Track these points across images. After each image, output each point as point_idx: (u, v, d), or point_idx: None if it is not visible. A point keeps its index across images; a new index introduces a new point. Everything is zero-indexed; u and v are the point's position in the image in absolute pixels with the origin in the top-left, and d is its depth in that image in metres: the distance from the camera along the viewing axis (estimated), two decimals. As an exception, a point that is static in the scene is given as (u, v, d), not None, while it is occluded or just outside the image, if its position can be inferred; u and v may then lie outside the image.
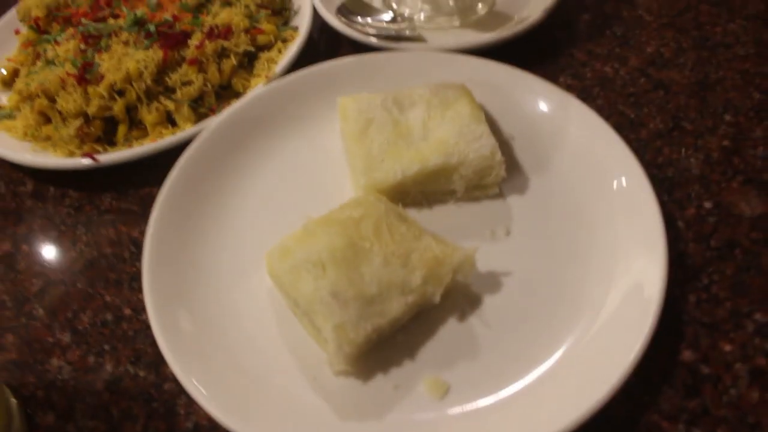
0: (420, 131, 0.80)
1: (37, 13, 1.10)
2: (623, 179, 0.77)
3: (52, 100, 0.96)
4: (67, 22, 1.09)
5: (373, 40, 0.99)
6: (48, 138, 0.97)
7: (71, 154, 0.93)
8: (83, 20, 1.05)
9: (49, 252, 0.89)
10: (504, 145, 0.86)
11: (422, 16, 1.08)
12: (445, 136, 0.79)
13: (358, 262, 0.68)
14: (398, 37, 0.98)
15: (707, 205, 0.82)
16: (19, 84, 1.03)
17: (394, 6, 1.10)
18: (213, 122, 0.87)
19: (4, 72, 1.09)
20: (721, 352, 0.70)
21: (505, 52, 0.98)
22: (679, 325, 0.72)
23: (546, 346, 0.68)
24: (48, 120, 0.98)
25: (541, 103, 0.87)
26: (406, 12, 1.09)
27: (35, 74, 1.00)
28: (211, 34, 0.97)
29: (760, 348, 0.69)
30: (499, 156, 0.77)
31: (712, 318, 0.72)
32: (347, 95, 0.87)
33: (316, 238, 0.70)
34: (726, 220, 0.80)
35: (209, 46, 0.95)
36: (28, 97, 0.99)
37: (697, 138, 0.89)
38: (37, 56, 1.09)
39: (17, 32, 1.16)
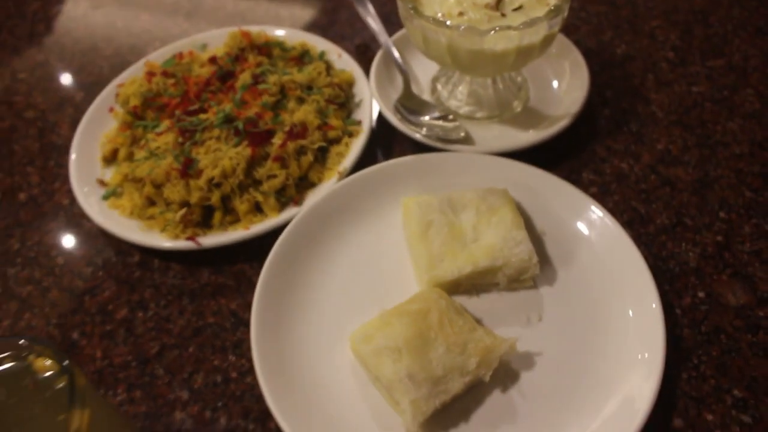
0: (471, 234, 1.00)
1: (135, 102, 1.29)
2: (632, 277, 0.96)
3: (158, 187, 1.16)
4: (161, 110, 1.28)
5: (427, 141, 1.18)
6: (151, 217, 1.16)
7: (176, 237, 1.12)
8: (177, 113, 1.24)
9: (160, 319, 1.08)
10: (537, 240, 1.06)
11: (466, 109, 1.27)
12: (492, 241, 0.98)
13: (426, 349, 0.88)
14: (448, 139, 1.17)
15: (700, 294, 1.02)
16: (124, 168, 1.23)
17: (443, 100, 1.29)
18: (298, 215, 1.07)
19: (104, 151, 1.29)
20: (705, 421, 0.89)
21: (537, 146, 1.17)
22: (673, 398, 0.92)
23: (567, 417, 0.88)
24: (152, 203, 1.17)
25: (567, 206, 1.06)
26: (453, 104, 1.28)
27: (140, 162, 1.20)
28: (291, 133, 1.16)
29: (736, 419, 0.89)
30: (535, 259, 0.97)
31: (699, 392, 0.92)
32: (407, 192, 1.08)
33: (392, 327, 0.90)
34: (715, 309, 1.00)
35: (290, 146, 1.14)
36: (133, 180, 1.18)
37: (696, 233, 1.09)
38: (134, 139, 1.28)
39: (111, 110, 1.35)
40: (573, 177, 1.19)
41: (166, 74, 1.31)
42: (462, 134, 1.18)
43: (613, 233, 1.00)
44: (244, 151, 1.14)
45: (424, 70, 1.35)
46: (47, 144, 1.39)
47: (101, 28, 1.68)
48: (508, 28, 1.04)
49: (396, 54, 1.32)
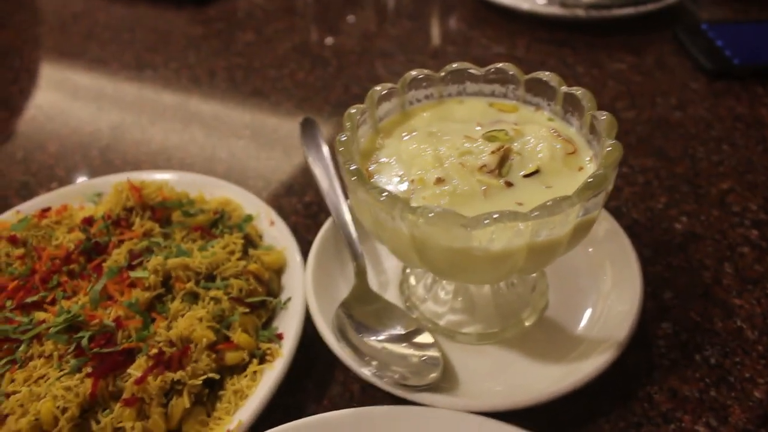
0: None
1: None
2: None
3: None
4: (-7, 293, 0.84)
5: (379, 384, 0.71)
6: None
7: None
8: (8, 304, 0.80)
9: None
10: None
11: (449, 320, 0.82)
12: None
13: None
14: (412, 386, 0.71)
15: None
16: None
17: (415, 302, 0.84)
18: None
19: None
20: None
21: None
22: None
23: None
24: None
25: None
26: (430, 310, 0.83)
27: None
28: (159, 359, 0.71)
29: None
30: None
31: None
32: None
33: None
34: None
35: (153, 382, 0.69)
36: None
37: None
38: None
39: None
40: (618, 447, 0.71)
41: (14, 241, 0.88)
42: (433, 376, 0.71)
43: None
44: (81, 385, 0.69)
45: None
46: None
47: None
48: (512, 217, 0.60)
49: (350, 227, 0.88)
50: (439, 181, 0.70)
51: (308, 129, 1.03)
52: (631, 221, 1.00)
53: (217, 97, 1.38)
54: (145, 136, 1.29)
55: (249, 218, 0.94)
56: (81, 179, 1.13)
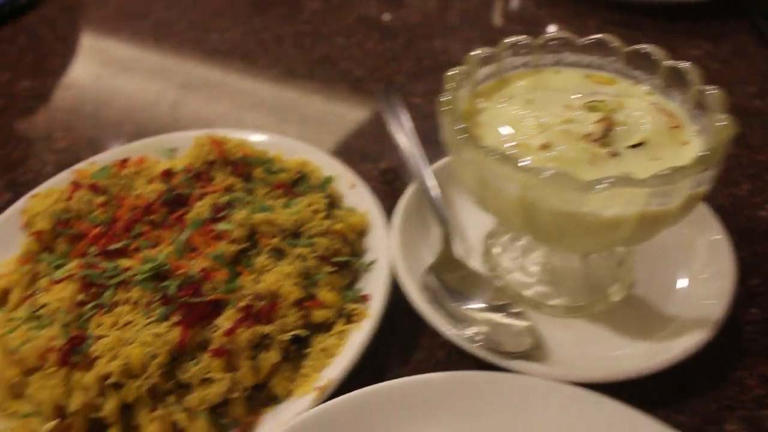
0: None
1: (43, 224, 0.86)
2: None
3: (28, 373, 0.70)
4: (75, 241, 0.84)
5: (472, 349, 0.70)
6: (14, 415, 0.71)
7: (36, 463, 0.66)
8: (92, 250, 0.79)
9: None
10: None
11: (536, 291, 0.80)
12: None
13: None
14: (505, 352, 0.69)
15: None
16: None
17: (500, 272, 0.82)
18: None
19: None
20: None
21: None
22: None
23: None
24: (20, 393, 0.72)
25: None
26: (516, 280, 0.81)
27: (16, 324, 0.75)
28: (249, 312, 0.70)
29: None
30: None
31: None
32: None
33: None
34: None
35: (243, 334, 0.68)
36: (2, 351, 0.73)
37: None
38: (34, 278, 0.84)
39: (26, 226, 0.91)
40: (710, 430, 0.69)
41: (95, 188, 0.88)
42: (529, 342, 0.70)
43: None
44: (170, 333, 0.68)
45: (475, 220, 0.89)
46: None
47: (64, 113, 1.29)
48: (628, 182, 0.58)
49: (435, 192, 0.87)
50: (544, 146, 0.69)
51: (389, 95, 1.01)
52: (717, 206, 0.97)
53: (286, 62, 1.37)
54: (213, 96, 1.29)
55: (329, 179, 0.93)
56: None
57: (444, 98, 0.70)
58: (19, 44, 1.52)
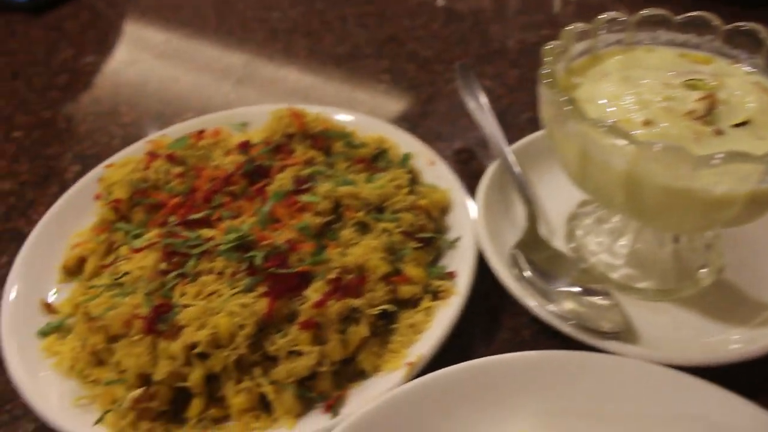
0: None
1: (120, 193, 0.85)
2: None
3: (112, 340, 0.70)
4: (153, 210, 0.83)
5: (566, 328, 0.68)
6: (96, 382, 0.70)
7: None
8: (171, 219, 0.79)
9: None
10: None
11: (623, 273, 0.78)
12: None
13: None
14: (596, 330, 0.67)
15: None
16: (78, 293, 0.78)
17: (585, 255, 0.80)
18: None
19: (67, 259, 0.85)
20: None
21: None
22: None
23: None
24: (102, 361, 0.71)
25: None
26: (602, 261, 0.79)
27: (99, 291, 0.74)
28: (338, 284, 0.68)
29: None
30: None
31: None
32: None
33: None
34: None
35: (333, 306, 0.67)
36: (86, 318, 0.73)
37: None
38: (110, 247, 0.83)
39: (99, 197, 0.91)
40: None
41: (172, 159, 0.88)
42: (621, 322, 0.68)
43: None
44: (257, 303, 0.67)
45: (556, 201, 0.87)
46: (10, 230, 0.96)
47: (128, 88, 1.29)
48: (744, 158, 0.55)
49: (518, 170, 0.85)
50: (647, 123, 0.66)
51: (465, 74, 1.00)
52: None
53: (351, 42, 1.36)
54: (278, 74, 1.28)
55: (408, 157, 0.91)
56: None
57: (544, 71, 0.68)
58: (81, 20, 1.52)
